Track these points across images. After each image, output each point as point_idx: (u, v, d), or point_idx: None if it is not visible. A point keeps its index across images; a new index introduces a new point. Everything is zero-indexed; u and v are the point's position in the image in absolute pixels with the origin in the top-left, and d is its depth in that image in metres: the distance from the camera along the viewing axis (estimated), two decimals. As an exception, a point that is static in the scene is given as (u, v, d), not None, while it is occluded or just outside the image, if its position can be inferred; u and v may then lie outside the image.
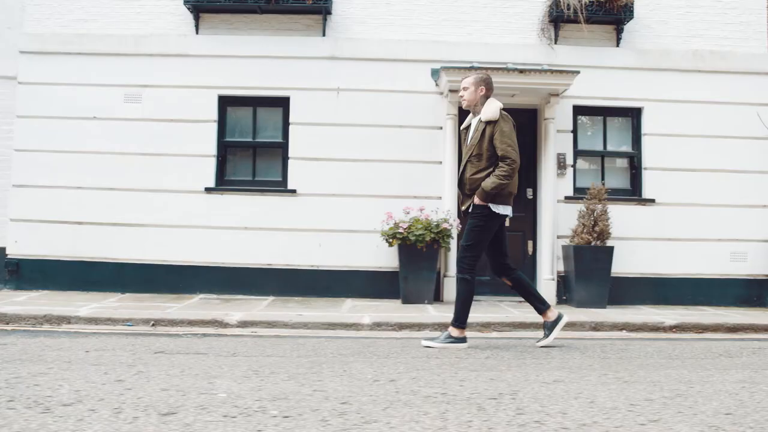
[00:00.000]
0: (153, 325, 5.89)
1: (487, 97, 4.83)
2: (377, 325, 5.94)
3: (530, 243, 7.79)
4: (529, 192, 7.80)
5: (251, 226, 7.47)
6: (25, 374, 3.38)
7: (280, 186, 7.62)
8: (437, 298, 7.28)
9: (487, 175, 4.62)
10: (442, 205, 7.31)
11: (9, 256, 7.57)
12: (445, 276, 7.33)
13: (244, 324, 5.92)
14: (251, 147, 7.74)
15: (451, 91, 7.20)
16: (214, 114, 7.58)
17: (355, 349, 4.64)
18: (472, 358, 4.32)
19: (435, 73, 7.53)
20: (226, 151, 7.68)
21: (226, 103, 7.67)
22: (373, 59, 7.56)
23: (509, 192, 4.70)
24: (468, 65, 7.11)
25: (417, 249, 6.93)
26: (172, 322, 5.96)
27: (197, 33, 7.68)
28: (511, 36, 7.68)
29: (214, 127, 7.58)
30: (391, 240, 6.99)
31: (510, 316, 6.30)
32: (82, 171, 7.57)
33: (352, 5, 7.64)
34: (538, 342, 4.90)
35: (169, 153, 7.54)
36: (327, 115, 7.54)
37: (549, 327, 4.87)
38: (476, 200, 4.65)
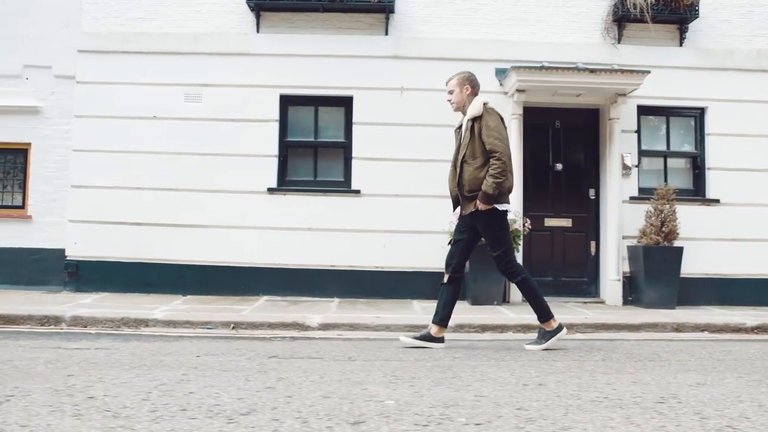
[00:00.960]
0: (233, 328, 5.81)
1: (474, 95, 4.76)
2: (460, 327, 5.87)
3: (593, 244, 7.74)
4: (592, 192, 7.75)
5: (314, 227, 7.39)
6: (167, 381, 3.29)
7: (342, 186, 7.55)
8: (504, 299, 7.22)
9: (486, 172, 4.51)
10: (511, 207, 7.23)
11: (68, 258, 7.46)
12: (511, 277, 7.25)
13: (325, 327, 5.84)
14: (313, 147, 7.66)
15: (518, 90, 7.14)
16: (275, 113, 7.50)
17: (463, 352, 4.58)
18: (590, 360, 4.25)
19: (499, 73, 7.47)
20: (287, 150, 7.60)
21: (287, 102, 7.58)
22: (436, 58, 7.48)
23: (508, 188, 4.60)
24: (538, 65, 7.05)
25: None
26: (252, 325, 5.88)
27: (258, 32, 7.60)
28: (574, 35, 7.62)
29: (276, 126, 7.50)
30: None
31: (589, 318, 6.24)
32: (142, 171, 7.48)
33: (414, 4, 7.57)
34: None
35: (230, 153, 7.45)
36: (390, 114, 7.47)
37: (425, 337, 4.72)
38: (480, 206, 4.54)
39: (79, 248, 7.47)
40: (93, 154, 7.51)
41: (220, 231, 7.40)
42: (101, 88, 7.56)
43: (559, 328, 4.71)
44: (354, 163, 7.49)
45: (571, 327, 5.96)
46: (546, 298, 7.36)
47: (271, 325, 5.87)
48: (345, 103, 7.59)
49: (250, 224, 7.39)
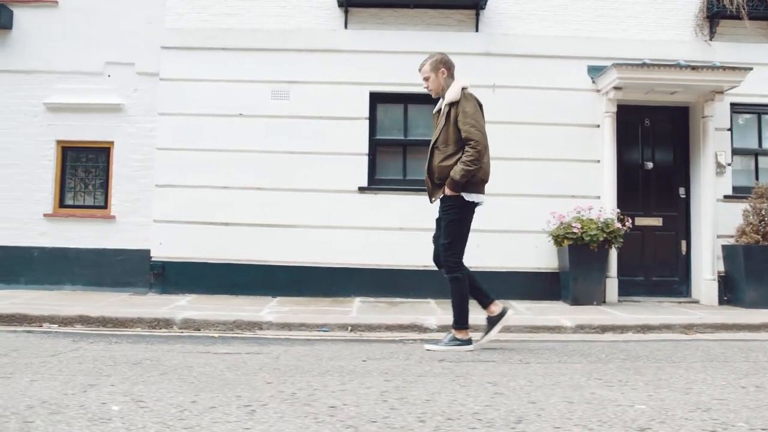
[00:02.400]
0: (351, 330, 5.68)
1: (451, 77, 4.59)
2: (580, 328, 5.77)
3: (683, 243, 7.65)
4: (682, 191, 7.66)
5: (405, 227, 7.25)
6: (384, 387, 3.16)
7: (432, 185, 7.41)
8: (603, 299, 7.11)
9: (456, 162, 4.32)
10: (604, 205, 7.14)
11: (153, 259, 7.29)
12: (606, 277, 7.15)
13: (444, 328, 5.71)
14: (401, 145, 7.53)
15: (615, 88, 7.04)
16: (365, 111, 7.37)
17: (611, 353, 4.47)
18: (749, 362, 4.14)
19: (592, 71, 7.37)
20: (375, 149, 7.46)
21: (376, 99, 7.45)
22: (527, 56, 7.38)
23: (481, 179, 4.42)
24: (639, 62, 6.96)
25: (588, 249, 6.76)
26: (369, 327, 5.74)
27: (346, 28, 7.46)
28: (665, 32, 7.54)
29: (366, 124, 7.36)
30: (562, 240, 6.82)
31: (704, 318, 6.14)
32: (228, 170, 7.32)
33: (505, 0, 7.46)
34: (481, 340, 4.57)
35: (319, 151, 7.31)
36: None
37: (492, 322, 4.61)
38: (447, 191, 4.37)
39: (165, 249, 7.30)
40: (178, 153, 7.35)
41: (309, 231, 7.25)
42: (185, 85, 7.40)
43: (468, 342, 4.51)
44: (435, 161, 7.36)
45: (690, 327, 5.87)
46: (638, 298, 7.35)
47: (389, 327, 5.73)
48: (434, 100, 7.43)
49: (340, 224, 7.25)
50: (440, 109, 4.61)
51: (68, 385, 3.03)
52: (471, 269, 7.17)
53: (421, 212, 7.27)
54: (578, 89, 7.41)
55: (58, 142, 7.50)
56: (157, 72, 7.45)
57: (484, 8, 7.39)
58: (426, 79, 4.61)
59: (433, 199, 4.58)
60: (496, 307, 4.63)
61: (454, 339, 4.52)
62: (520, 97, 7.36)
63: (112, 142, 7.47)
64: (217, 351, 4.35)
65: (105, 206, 7.49)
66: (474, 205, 4.49)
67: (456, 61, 7.27)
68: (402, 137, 7.53)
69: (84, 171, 7.60)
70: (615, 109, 7.26)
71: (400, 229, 7.27)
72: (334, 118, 7.35)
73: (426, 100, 7.49)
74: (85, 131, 7.48)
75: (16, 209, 7.43)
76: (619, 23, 7.53)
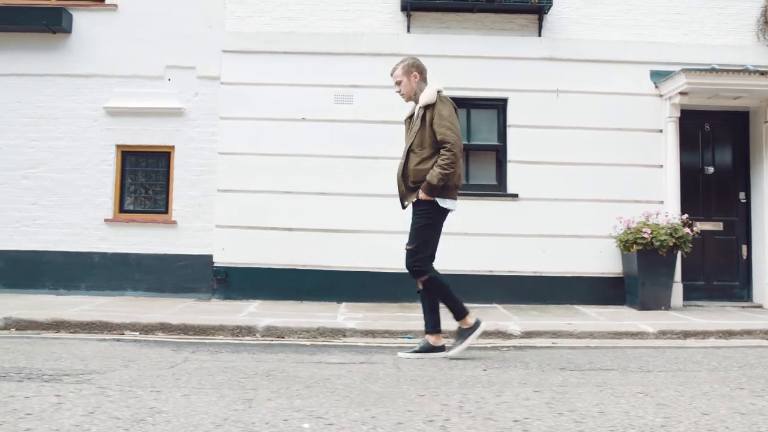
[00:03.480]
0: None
1: (424, 81, 4.54)
2: (662, 333, 5.76)
3: (744, 247, 7.67)
4: (742, 195, 7.68)
5: (470, 232, 7.23)
6: (535, 400, 3.14)
7: (495, 190, 7.41)
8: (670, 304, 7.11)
9: (433, 165, 4.25)
10: (669, 210, 7.13)
11: (216, 265, 7.24)
12: (673, 282, 7.15)
13: (528, 334, 5.70)
14: (464, 149, 7.49)
15: (681, 93, 7.04)
16: (429, 116, 7.33)
17: (719, 360, 4.43)
18: None
19: (654, 75, 7.38)
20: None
21: (439, 104, 7.42)
22: (589, 60, 7.38)
23: (455, 184, 4.37)
24: (707, 67, 6.96)
25: (657, 255, 6.76)
26: (452, 334, 5.71)
27: (408, 32, 7.44)
28: (726, 37, 7.55)
29: (430, 129, 7.33)
30: (631, 245, 6.82)
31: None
32: (291, 175, 7.28)
33: (566, 5, 7.45)
34: (401, 354, 4.46)
35: (382, 156, 7.26)
36: (545, 117, 7.34)
37: (425, 349, 4.46)
38: (422, 195, 4.29)
39: (227, 254, 7.25)
40: (239, 157, 7.30)
41: (375, 236, 7.22)
42: (247, 89, 7.35)
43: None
44: (509, 166, 7.35)
45: (769, 334, 5.89)
46: (700, 303, 7.35)
47: (474, 334, 5.72)
48: (498, 105, 7.45)
49: (405, 229, 7.17)
50: (412, 114, 4.58)
51: (226, 400, 2.98)
52: (536, 275, 7.25)
53: (482, 217, 7.29)
54: (641, 94, 7.41)
55: (118, 146, 7.44)
56: (218, 76, 7.40)
57: (547, 13, 7.38)
58: (398, 83, 4.58)
59: (406, 203, 4.51)
60: (438, 339, 4.52)
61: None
62: (582, 102, 7.36)
63: (172, 147, 7.41)
64: (329, 360, 4.30)
65: (166, 211, 7.43)
66: (447, 211, 4.42)
67: (519, 65, 7.42)
68: (465, 142, 7.48)
69: (144, 176, 7.53)
70: (678, 114, 7.27)
71: (465, 234, 7.23)
72: (398, 123, 7.29)
73: (490, 104, 7.52)
74: (145, 135, 7.41)
75: (77, 214, 7.35)
76: (680, 28, 7.54)
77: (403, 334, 5.65)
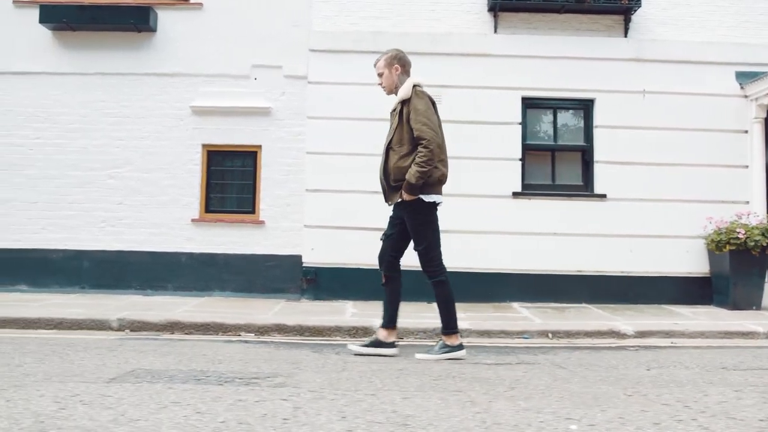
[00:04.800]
0: (551, 336, 5.67)
1: (406, 74, 4.46)
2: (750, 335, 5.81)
3: (824, 247, 7.72)
4: (823, 196, 7.75)
5: (559, 232, 7.25)
6: None
7: (581, 190, 7.43)
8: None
9: (413, 161, 4.14)
10: (755, 210, 7.18)
11: (305, 265, 7.22)
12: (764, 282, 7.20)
13: (642, 334, 5.73)
14: (550, 150, 7.53)
15: (769, 94, 7.10)
16: (518, 116, 7.36)
17: None
18: None
19: (740, 76, 7.42)
20: (524, 154, 7.45)
21: (525, 104, 7.44)
22: (675, 61, 7.41)
23: (438, 179, 4.25)
24: (799, 68, 7.03)
25: (750, 255, 6.80)
26: (568, 334, 5.74)
27: (495, 32, 7.44)
28: (808, 38, 7.61)
29: (519, 129, 7.35)
30: (723, 245, 6.86)
31: None
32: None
33: (651, 6, 7.47)
34: (351, 347, 4.49)
35: (472, 156, 7.27)
36: (632, 118, 7.37)
37: (374, 344, 4.44)
38: (405, 197, 4.19)
39: (317, 254, 7.23)
40: (328, 157, 7.29)
41: (463, 236, 7.21)
42: (335, 89, 7.33)
43: (459, 348, 4.37)
44: (596, 166, 7.37)
45: None
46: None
47: (588, 334, 5.73)
48: (585, 105, 7.47)
49: (495, 229, 7.23)
50: (395, 109, 4.47)
51: (453, 402, 2.97)
52: (623, 275, 7.28)
53: (571, 217, 7.32)
54: (726, 95, 7.45)
55: (204, 145, 7.40)
56: (305, 75, 7.38)
57: (634, 13, 7.40)
58: (380, 75, 4.50)
59: (390, 202, 4.44)
60: (388, 336, 4.47)
61: (446, 346, 4.36)
62: (668, 103, 7.39)
63: (259, 146, 7.38)
64: (484, 361, 4.32)
65: (253, 211, 7.39)
66: (435, 205, 4.34)
67: (605, 66, 7.43)
68: (552, 142, 7.53)
69: (230, 175, 7.49)
70: (765, 115, 7.32)
71: (554, 234, 7.26)
72: (487, 123, 7.32)
73: (576, 105, 7.53)
74: (231, 135, 7.37)
75: (163, 214, 7.32)
76: (763, 29, 7.58)
77: (519, 334, 5.68)
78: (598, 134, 7.40)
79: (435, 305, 4.54)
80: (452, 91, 7.35)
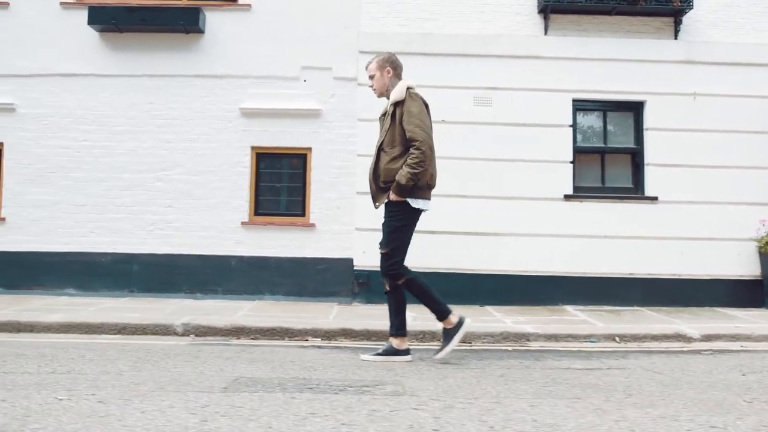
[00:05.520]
0: (618, 340, 5.65)
1: (398, 77, 4.47)
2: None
3: None
4: None
5: (610, 234, 7.23)
6: None
7: (631, 192, 7.42)
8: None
9: (404, 164, 4.14)
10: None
11: (357, 268, 7.18)
12: (812, 284, 7.21)
13: (708, 338, 5.71)
14: (600, 152, 7.51)
15: (822, 96, 7.10)
16: (568, 118, 7.33)
17: None
18: None
19: (790, 78, 7.42)
20: (574, 156, 7.42)
21: (576, 107, 7.41)
22: (726, 63, 7.40)
23: (427, 183, 4.23)
24: None
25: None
26: (635, 337, 5.70)
27: (545, 34, 7.41)
28: None
29: (570, 131, 7.33)
30: (778, 248, 6.87)
31: None
32: (431, 177, 7.23)
33: (702, 8, 7.45)
34: (364, 357, 4.37)
35: (522, 158, 7.26)
36: (682, 120, 7.35)
37: (389, 352, 4.34)
38: (392, 197, 4.19)
39: (368, 258, 7.16)
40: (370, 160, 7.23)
41: (516, 239, 7.20)
42: (385, 91, 7.28)
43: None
44: (647, 169, 7.35)
45: None
46: None
47: (654, 337, 5.71)
48: (634, 108, 7.45)
49: (547, 232, 7.21)
50: (385, 112, 4.47)
51: (583, 410, 2.94)
52: (674, 277, 7.26)
53: (622, 220, 7.30)
54: (774, 97, 7.46)
55: (253, 147, 7.35)
56: (355, 77, 7.33)
57: (685, 15, 7.37)
58: (371, 77, 4.50)
59: (377, 204, 4.42)
60: (404, 342, 4.40)
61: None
62: (719, 105, 7.37)
63: (309, 149, 7.33)
64: (573, 366, 4.29)
65: (303, 214, 7.35)
66: (419, 212, 4.31)
67: (656, 68, 7.41)
68: (602, 144, 7.51)
69: (279, 178, 7.44)
70: (817, 118, 7.33)
71: (605, 237, 7.24)
72: (537, 125, 7.30)
73: (625, 107, 7.51)
74: (280, 137, 7.32)
75: (212, 217, 7.26)
76: (813, 31, 7.58)
77: (586, 338, 5.65)
78: (648, 136, 7.38)
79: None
80: (502, 93, 7.33)
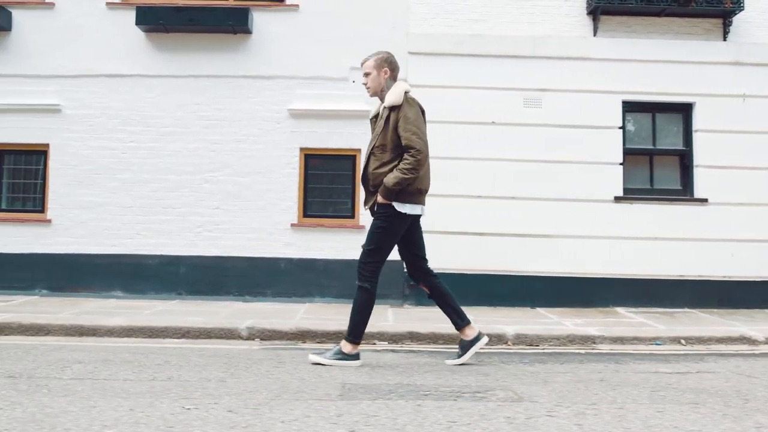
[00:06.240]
0: (683, 343, 5.63)
1: (393, 79, 4.32)
2: None
3: None
4: None
5: (660, 236, 7.21)
6: None
7: (680, 194, 7.40)
8: None
9: (392, 169, 4.06)
10: None
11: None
12: None
13: (773, 340, 5.71)
14: (648, 154, 7.49)
15: None
16: (618, 120, 7.30)
17: None
18: None
19: (838, 80, 7.43)
20: (624, 158, 7.40)
21: (625, 108, 7.39)
22: (775, 65, 7.41)
23: (417, 189, 4.16)
24: None
25: None
26: (700, 340, 5.69)
27: (595, 35, 7.38)
28: None
29: (620, 133, 7.30)
30: (831, 250, 6.87)
31: None
32: (481, 179, 7.21)
33: (752, 9, 7.43)
34: (449, 360, 4.36)
35: (572, 160, 7.22)
36: (732, 122, 7.33)
37: (464, 346, 4.32)
38: (379, 198, 4.11)
39: (419, 259, 7.15)
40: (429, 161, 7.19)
41: (568, 241, 7.17)
42: (434, 92, 7.18)
43: (355, 357, 4.21)
44: (696, 171, 7.34)
45: None
46: None
47: (719, 340, 5.69)
48: (683, 109, 7.44)
49: (596, 233, 7.18)
50: (377, 114, 4.34)
51: (708, 414, 2.92)
52: (724, 279, 7.26)
53: (672, 222, 7.28)
54: (823, 99, 7.46)
55: (302, 149, 7.29)
56: (405, 78, 7.22)
57: (735, 16, 7.36)
58: (366, 74, 4.32)
59: (367, 206, 4.33)
60: (471, 331, 4.35)
61: (341, 353, 4.20)
62: (768, 107, 7.39)
63: (358, 150, 7.27)
64: (660, 370, 4.26)
65: (352, 216, 7.30)
66: (407, 217, 4.21)
67: (705, 70, 7.39)
68: (650, 146, 7.49)
69: (328, 179, 7.38)
70: None
71: (655, 239, 7.22)
72: (587, 127, 7.27)
73: (674, 109, 7.50)
74: (329, 138, 7.27)
75: (261, 219, 7.20)
76: None
77: (652, 340, 5.63)
78: (697, 138, 7.37)
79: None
80: (551, 94, 7.30)
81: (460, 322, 4.36)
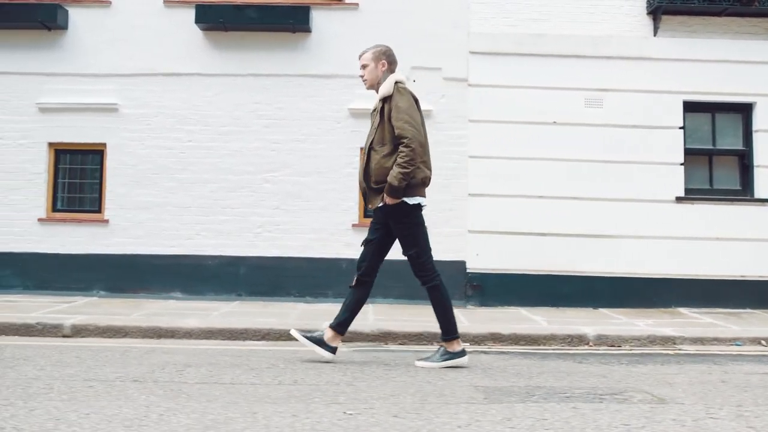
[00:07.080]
0: (764, 344, 5.62)
1: (391, 72, 4.24)
2: None
3: None
4: None
5: (721, 236, 7.20)
6: None
7: (740, 194, 7.40)
8: None
9: (396, 160, 3.95)
10: None
11: (470, 271, 7.11)
12: None
13: None
14: (707, 154, 7.48)
15: None
16: (679, 120, 7.29)
17: None
18: None
19: None
20: (684, 158, 7.38)
21: (686, 108, 7.38)
22: (833, 65, 7.41)
23: (421, 180, 4.06)
24: None
25: None
26: (777, 341, 5.71)
27: (655, 35, 7.37)
28: None
29: (680, 133, 7.29)
30: None
31: None
32: (543, 179, 7.18)
33: (810, 9, 7.46)
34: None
35: (633, 160, 7.21)
36: (792, 122, 7.35)
37: (316, 340, 4.23)
38: (388, 200, 3.98)
39: (481, 260, 7.12)
40: (490, 161, 7.17)
41: (630, 241, 7.15)
42: (496, 92, 7.22)
43: (462, 354, 4.16)
44: (757, 171, 7.34)
45: None
46: None
47: (796, 341, 5.71)
48: (744, 109, 7.43)
49: (659, 234, 7.16)
50: (375, 108, 4.29)
51: None
52: (760, 279, 7.24)
53: (732, 222, 7.27)
54: None
55: (362, 149, 7.21)
56: (465, 77, 7.25)
57: (793, 17, 7.38)
58: (364, 66, 4.29)
59: (371, 206, 4.24)
60: (336, 339, 4.28)
61: (447, 353, 4.15)
62: (827, 107, 7.39)
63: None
64: (760, 372, 4.24)
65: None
66: (420, 207, 4.14)
67: (765, 70, 7.38)
68: (710, 146, 7.48)
69: (389, 180, 7.32)
70: None
71: (716, 239, 7.21)
72: (648, 127, 7.26)
73: (734, 109, 7.49)
74: (390, 138, 7.21)
75: (322, 219, 7.14)
76: None
77: (732, 341, 5.61)
78: (757, 138, 7.36)
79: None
80: (612, 94, 7.28)
81: (341, 330, 4.29)
